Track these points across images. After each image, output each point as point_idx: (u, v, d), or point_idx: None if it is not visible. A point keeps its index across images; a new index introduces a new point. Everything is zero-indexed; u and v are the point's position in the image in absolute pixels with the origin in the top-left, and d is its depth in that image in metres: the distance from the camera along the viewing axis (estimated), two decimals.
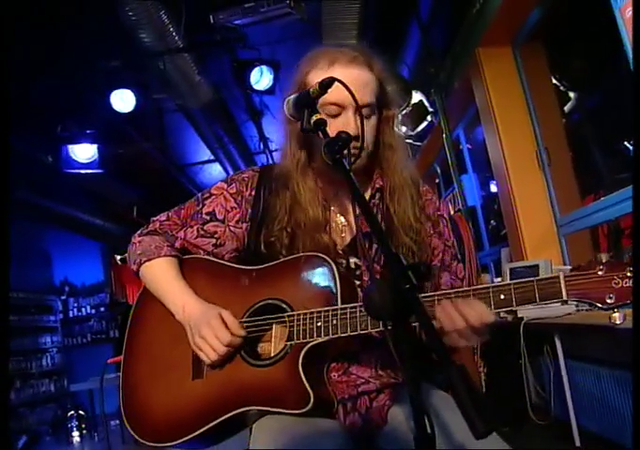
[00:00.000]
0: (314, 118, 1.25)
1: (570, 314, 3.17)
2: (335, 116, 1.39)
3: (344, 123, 1.38)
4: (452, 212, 5.44)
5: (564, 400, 3.09)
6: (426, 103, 5.33)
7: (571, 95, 4.54)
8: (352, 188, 1.14)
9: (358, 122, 1.38)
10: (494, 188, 5.55)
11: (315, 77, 1.40)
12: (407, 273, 0.94)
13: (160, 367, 1.49)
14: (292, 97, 1.33)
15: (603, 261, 1.20)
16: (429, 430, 0.89)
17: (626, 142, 4.39)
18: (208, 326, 1.37)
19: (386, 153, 1.50)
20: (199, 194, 1.62)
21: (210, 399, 1.39)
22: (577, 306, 3.25)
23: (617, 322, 1.19)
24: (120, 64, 5.08)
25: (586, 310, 3.24)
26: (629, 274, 1.16)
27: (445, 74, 5.18)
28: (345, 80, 1.32)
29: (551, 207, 4.05)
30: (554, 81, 4.35)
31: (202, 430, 1.36)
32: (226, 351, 1.36)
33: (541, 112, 4.15)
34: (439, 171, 6.79)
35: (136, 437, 1.43)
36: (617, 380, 2.66)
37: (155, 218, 1.63)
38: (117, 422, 6.39)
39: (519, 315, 3.32)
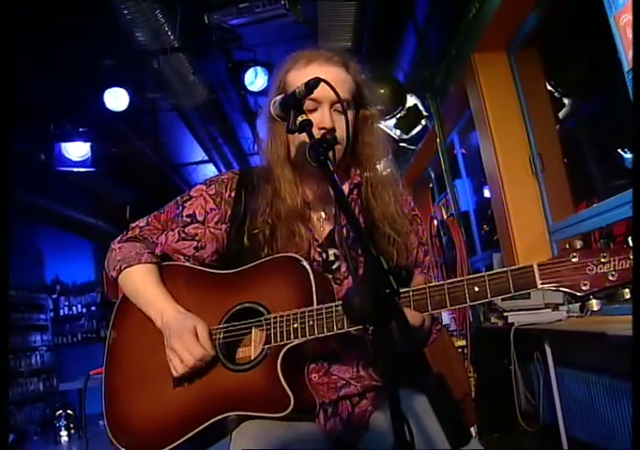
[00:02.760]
0: (300, 119, 1.27)
1: (560, 321, 3.18)
2: (311, 111, 1.42)
3: (320, 117, 1.42)
4: (445, 216, 5.44)
5: (553, 407, 3.09)
6: (421, 107, 5.33)
7: (566, 101, 4.55)
8: (335, 190, 1.16)
9: (333, 116, 1.43)
10: (487, 194, 5.55)
11: (294, 75, 1.48)
12: (388, 277, 0.94)
13: (141, 376, 1.48)
14: (278, 97, 1.35)
15: (577, 247, 1.19)
16: (408, 438, 0.89)
17: (620, 150, 4.40)
18: (180, 339, 1.38)
19: (366, 151, 1.54)
20: (178, 198, 1.63)
21: (191, 407, 1.38)
22: (568, 312, 3.26)
23: (595, 308, 1.18)
24: (115, 62, 5.06)
25: (577, 317, 3.25)
26: (602, 260, 1.15)
27: (440, 78, 5.18)
28: (322, 76, 1.36)
29: (544, 213, 4.05)
30: (549, 87, 4.35)
31: (183, 439, 1.36)
32: (195, 364, 1.37)
33: (536, 118, 4.15)
34: (433, 175, 6.79)
35: (118, 446, 1.43)
36: (607, 388, 2.66)
37: (134, 224, 1.63)
38: (104, 422, 6.35)
39: (509, 321, 3.32)
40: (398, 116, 5.21)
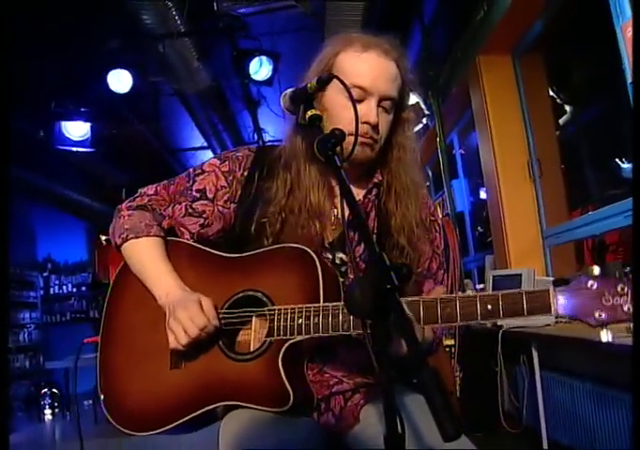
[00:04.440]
0: (309, 114, 1.24)
1: (548, 325, 3.20)
2: (358, 102, 1.34)
3: (366, 110, 1.35)
4: (441, 216, 5.46)
5: (536, 410, 3.12)
6: (423, 106, 5.34)
7: (567, 108, 4.57)
8: (341, 185, 1.12)
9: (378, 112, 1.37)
10: (483, 195, 5.58)
11: (347, 57, 1.40)
12: (389, 273, 0.93)
13: (138, 353, 1.45)
14: (289, 91, 1.31)
15: (595, 274, 1.16)
16: (399, 430, 0.90)
17: (618, 160, 4.43)
18: (185, 309, 1.33)
19: (397, 153, 1.48)
20: (190, 169, 1.56)
21: (188, 392, 1.36)
22: (557, 317, 3.28)
23: (604, 340, 1.16)
24: (120, 44, 5.05)
25: (565, 322, 3.27)
26: (619, 291, 1.12)
27: (443, 78, 5.20)
28: (377, 69, 1.34)
29: (538, 218, 4.08)
30: (551, 93, 4.37)
31: (177, 423, 1.35)
32: (198, 335, 1.32)
33: (536, 123, 4.17)
34: (430, 174, 6.81)
35: (114, 423, 1.41)
36: (590, 394, 2.69)
37: (143, 191, 1.56)
38: (90, 402, 6.37)
39: (498, 323, 3.34)
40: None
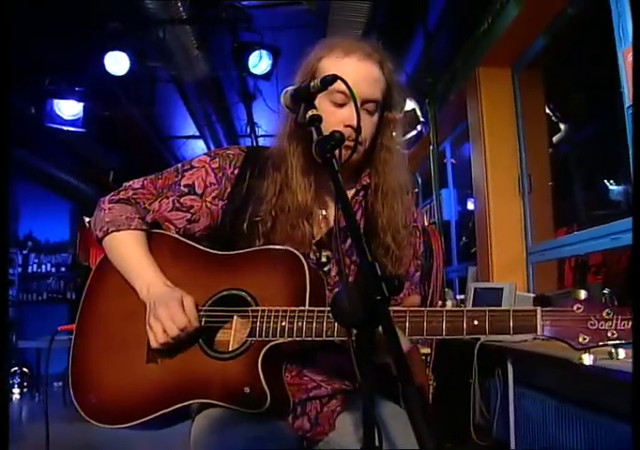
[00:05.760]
0: (310, 113, 1.23)
1: (525, 341, 3.21)
2: (340, 105, 1.39)
3: (348, 114, 1.37)
4: (427, 223, 5.47)
5: (507, 424, 3.14)
6: (418, 112, 5.34)
7: (562, 126, 4.60)
8: (337, 189, 1.12)
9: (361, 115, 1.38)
10: (470, 206, 5.60)
11: (328, 63, 1.42)
12: (381, 284, 0.92)
13: (114, 345, 1.43)
14: (290, 88, 1.30)
15: (581, 298, 1.17)
16: (377, 443, 0.90)
17: (606, 181, 4.47)
18: (165, 307, 1.32)
19: (383, 154, 1.49)
20: (179, 165, 1.56)
21: (162, 387, 1.35)
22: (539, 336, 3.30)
23: (586, 363, 1.16)
24: (120, 26, 5.00)
25: (543, 339, 3.29)
26: (605, 316, 1.13)
27: (442, 86, 5.20)
28: (358, 73, 1.36)
29: (524, 234, 4.10)
30: (547, 110, 4.39)
31: (149, 417, 1.33)
32: (177, 335, 1.32)
33: (531, 138, 4.18)
34: (420, 181, 6.82)
35: (83, 415, 1.39)
36: (561, 412, 2.70)
37: (128, 184, 1.56)
38: (60, 384, 6.32)
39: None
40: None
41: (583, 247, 3.21)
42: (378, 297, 0.91)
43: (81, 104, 5.87)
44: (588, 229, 3.25)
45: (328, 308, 1.25)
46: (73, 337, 1.50)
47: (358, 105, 1.29)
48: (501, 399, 3.22)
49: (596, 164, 4.43)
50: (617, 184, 4.41)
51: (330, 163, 1.15)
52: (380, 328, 0.91)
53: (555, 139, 4.55)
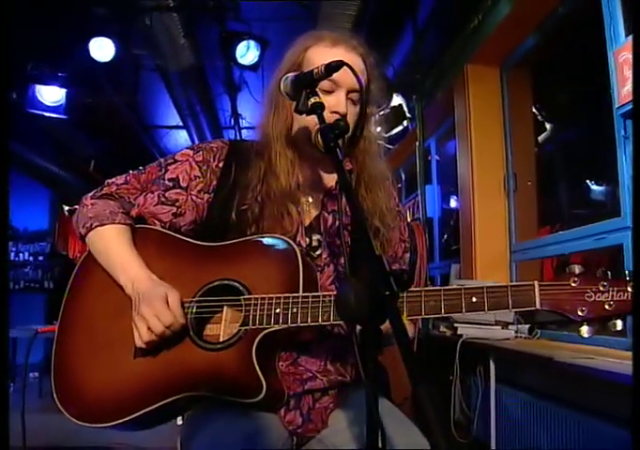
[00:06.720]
0: (312, 100, 1.23)
1: (508, 339, 3.23)
2: (328, 93, 1.40)
3: (336, 101, 1.40)
4: (410, 219, 5.47)
5: (487, 422, 3.15)
6: (405, 108, 5.33)
7: (548, 126, 4.61)
8: (341, 178, 1.13)
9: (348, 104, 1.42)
10: (454, 203, 5.61)
11: (316, 52, 1.44)
12: (389, 278, 0.91)
13: (100, 341, 1.39)
14: (291, 74, 1.30)
15: (577, 272, 1.19)
16: (380, 445, 0.88)
17: (588, 181, 4.50)
18: (150, 305, 1.30)
19: (363, 144, 1.52)
20: (162, 159, 1.56)
21: (152, 381, 1.31)
22: (516, 332, 3.32)
23: (585, 335, 1.18)
24: (106, 12, 4.92)
25: (525, 338, 3.31)
26: (601, 288, 1.15)
27: (430, 83, 5.20)
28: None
29: (508, 232, 4.11)
30: (534, 109, 4.40)
31: (138, 414, 1.30)
32: (163, 332, 1.29)
33: (517, 137, 4.19)
34: (404, 177, 6.82)
35: (65, 414, 1.35)
36: (541, 411, 2.72)
37: (111, 181, 1.54)
38: (37, 374, 6.24)
39: (459, 332, 3.36)
40: (381, 114, 5.19)
41: (567, 247, 3.22)
42: (387, 292, 0.90)
43: (63, 90, 5.79)
44: (572, 229, 3.26)
45: (324, 294, 1.27)
46: (56, 335, 1.46)
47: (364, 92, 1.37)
48: (482, 397, 3.24)
49: (580, 164, 4.45)
50: (601, 184, 4.44)
51: (334, 152, 1.16)
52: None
53: (540, 138, 4.56)
